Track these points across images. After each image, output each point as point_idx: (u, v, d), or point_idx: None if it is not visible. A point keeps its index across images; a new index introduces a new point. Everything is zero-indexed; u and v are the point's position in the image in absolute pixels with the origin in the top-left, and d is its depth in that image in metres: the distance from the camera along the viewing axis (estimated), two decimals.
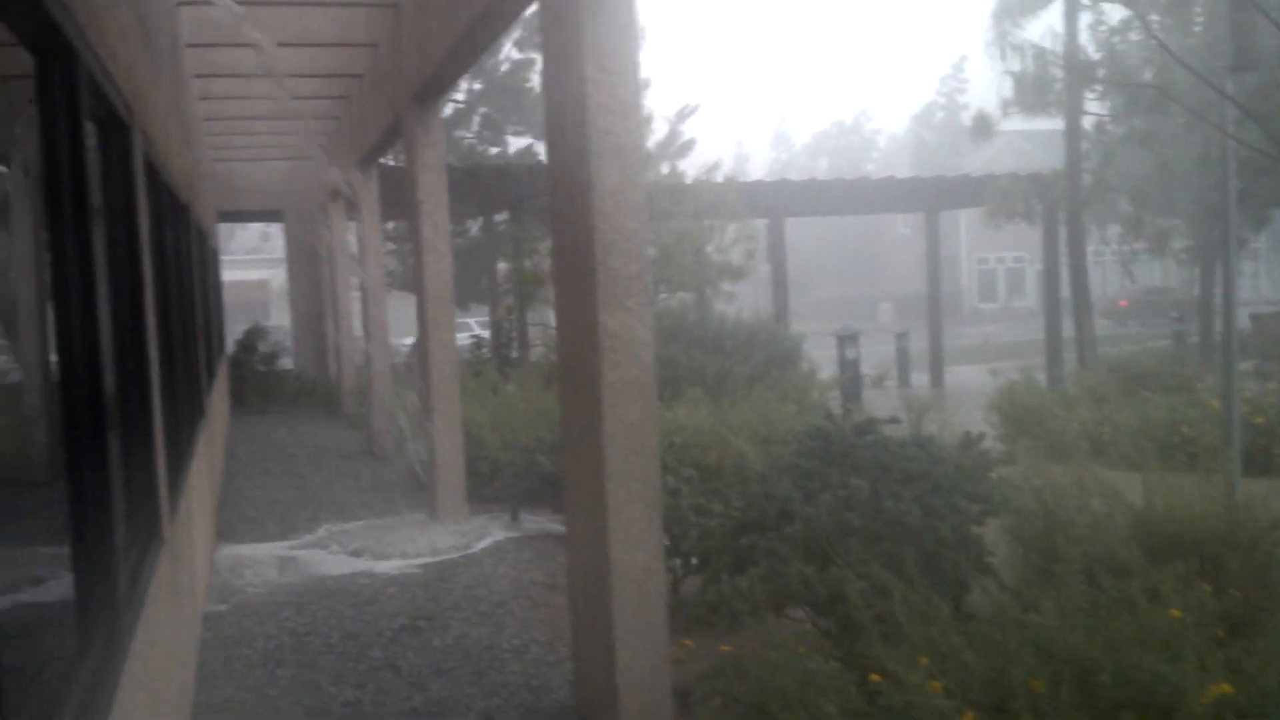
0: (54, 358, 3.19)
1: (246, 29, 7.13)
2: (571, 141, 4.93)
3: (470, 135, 26.67)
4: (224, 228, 22.05)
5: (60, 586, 3.26)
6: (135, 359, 4.40)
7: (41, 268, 3.19)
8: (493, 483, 10.64)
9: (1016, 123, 21.49)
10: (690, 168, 17.98)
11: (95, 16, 3.38)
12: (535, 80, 26.60)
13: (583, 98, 4.69)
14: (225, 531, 10.25)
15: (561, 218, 5.20)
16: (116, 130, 4.17)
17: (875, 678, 4.27)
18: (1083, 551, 5.42)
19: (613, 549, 4.96)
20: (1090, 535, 5.67)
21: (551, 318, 21.40)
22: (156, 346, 4.98)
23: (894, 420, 6.59)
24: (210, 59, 11.20)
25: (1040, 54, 16.25)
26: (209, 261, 14.07)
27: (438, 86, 9.11)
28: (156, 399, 4.85)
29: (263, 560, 9.13)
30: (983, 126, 18.06)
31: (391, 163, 19.26)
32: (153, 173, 5.39)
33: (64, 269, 3.09)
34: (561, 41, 4.91)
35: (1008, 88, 17.28)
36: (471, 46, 7.57)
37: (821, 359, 16.74)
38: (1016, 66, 16.31)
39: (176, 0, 8.18)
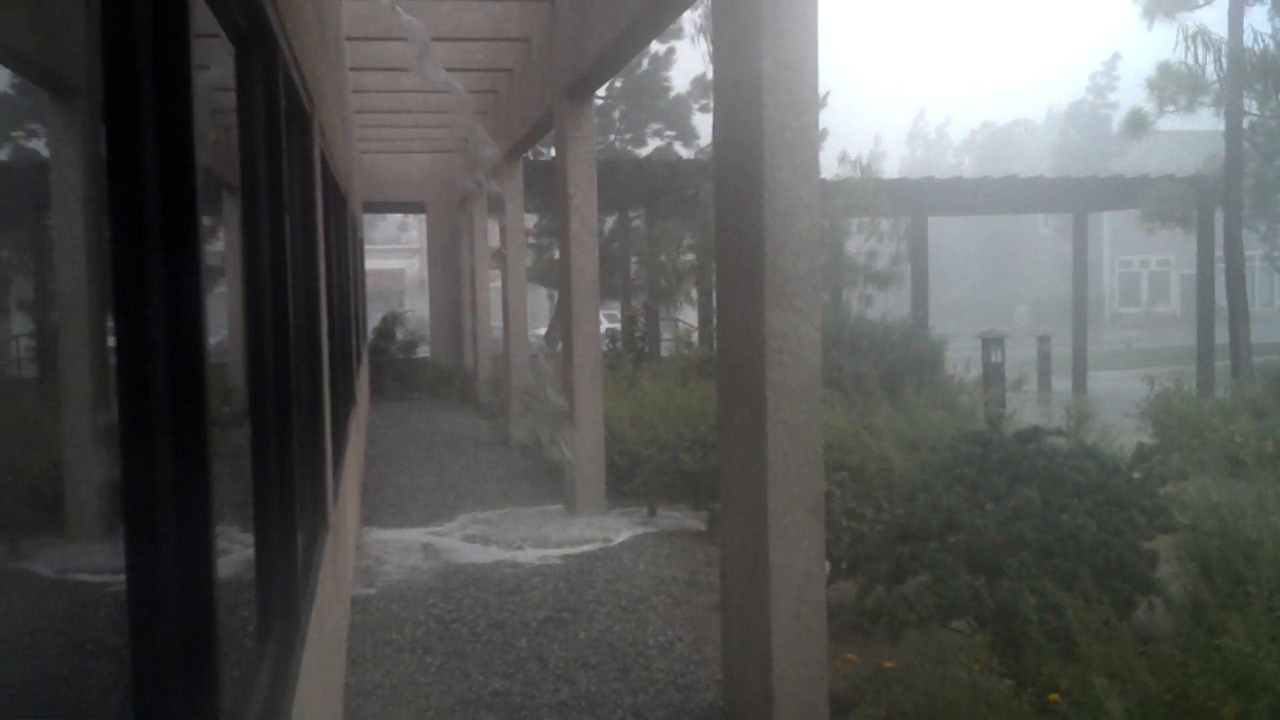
0: (212, 339, 3.23)
1: (407, 22, 7.22)
2: (743, 137, 4.84)
3: (612, 135, 26.79)
4: (365, 218, 22.54)
5: (227, 566, 3.30)
6: (310, 346, 4.46)
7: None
8: (632, 478, 10.62)
9: (1166, 124, 20.75)
10: (826, 161, 17.72)
11: (290, 6, 3.42)
12: (674, 78, 26.52)
13: (758, 93, 4.60)
14: (369, 515, 10.44)
15: (728, 214, 5.11)
16: (300, 121, 4.23)
17: (1055, 697, 4.09)
18: (1267, 574, 5.14)
19: (772, 554, 4.86)
20: (1275, 555, 5.37)
21: (684, 314, 21.35)
22: (327, 335, 5.06)
23: (1060, 432, 6.33)
24: (365, 52, 11.42)
25: (1206, 49, 15.55)
26: (358, 251, 14.39)
27: (592, 81, 9.11)
28: (326, 387, 4.92)
29: (406, 546, 9.27)
30: (1137, 122, 17.39)
31: (531, 157, 19.42)
32: (324, 164, 5.48)
33: (257, 260, 3.12)
34: (736, 35, 4.82)
35: (1162, 84, 16.59)
36: (631, 41, 7.53)
37: (958, 360, 16.34)
38: (1186, 60, 15.62)
39: None
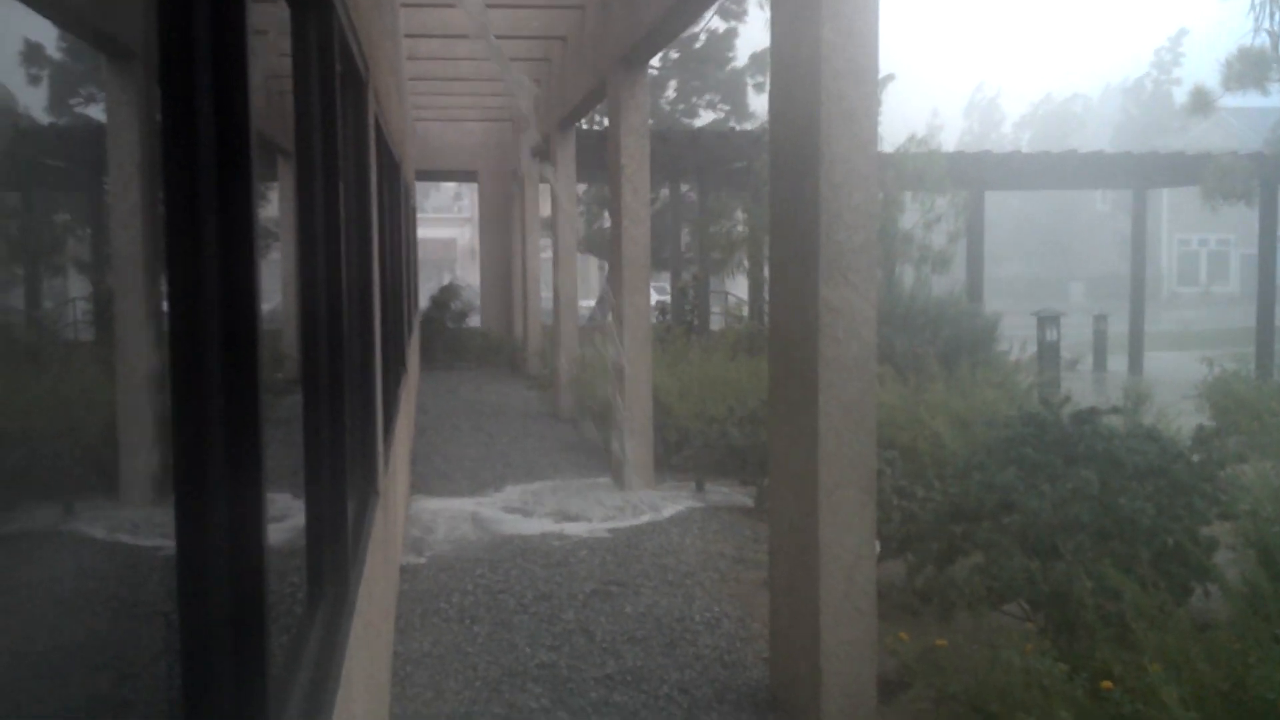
0: (265, 306, 3.23)
1: None
2: (799, 107, 4.76)
3: (665, 104, 26.61)
4: (419, 187, 22.59)
5: (277, 532, 3.30)
6: (363, 313, 4.46)
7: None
8: (680, 451, 10.59)
9: (1229, 100, 20.25)
10: (884, 134, 17.47)
11: None
12: (739, 53, 26.24)
13: (817, 61, 4.51)
14: (418, 484, 10.50)
15: (783, 186, 5.04)
16: (355, 87, 4.20)
17: (1107, 685, 4.02)
18: None
19: (822, 532, 4.81)
20: None
21: (734, 286, 21.20)
22: (379, 302, 5.05)
23: (1117, 412, 6.22)
24: (419, 19, 11.40)
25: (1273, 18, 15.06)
26: (410, 219, 14.42)
27: (647, 49, 9.02)
28: (378, 354, 4.92)
29: (454, 515, 9.31)
30: (1201, 100, 16.97)
31: (584, 126, 19.33)
32: (378, 130, 5.46)
33: (311, 226, 3.10)
34: (796, 1, 4.72)
35: (1241, 68, 16.13)
36: (687, 8, 7.44)
37: (1013, 338, 16.13)
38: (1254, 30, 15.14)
39: None
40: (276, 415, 3.16)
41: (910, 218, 16.07)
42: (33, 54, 1.76)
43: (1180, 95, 51.03)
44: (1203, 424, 6.19)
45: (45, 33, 1.76)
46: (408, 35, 11.90)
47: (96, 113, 2.05)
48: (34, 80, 1.77)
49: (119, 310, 1.99)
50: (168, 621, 1.87)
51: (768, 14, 5.12)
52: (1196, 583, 5.41)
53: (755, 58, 25.92)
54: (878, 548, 6.65)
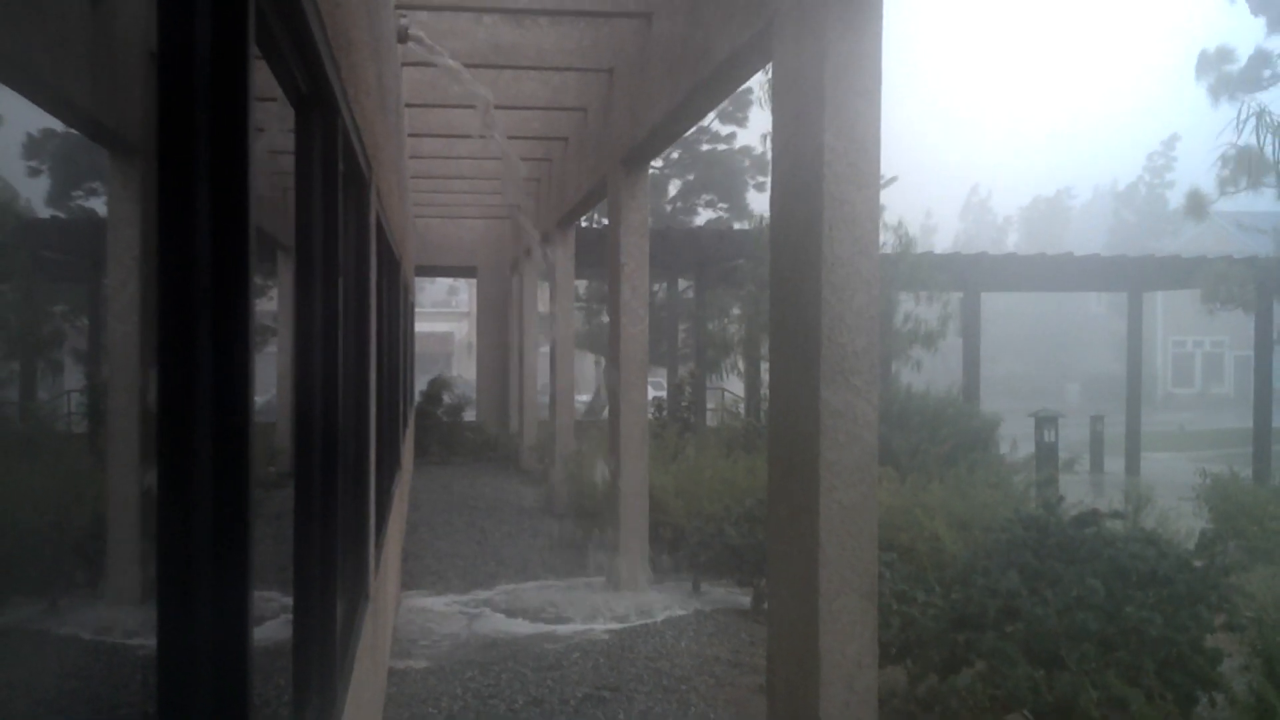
0: (260, 399, 3.19)
1: (472, 87, 7.27)
2: (801, 210, 4.77)
3: (666, 203, 26.92)
4: (415, 281, 22.70)
5: (264, 633, 3.21)
6: (358, 409, 4.41)
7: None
8: (675, 550, 10.46)
9: (1224, 204, 20.57)
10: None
11: (353, 71, 3.41)
12: (738, 156, 26.65)
13: (819, 166, 4.53)
14: (409, 581, 10.34)
15: (784, 287, 5.03)
16: (357, 185, 4.21)
17: None
18: None
19: (823, 639, 4.71)
20: None
21: (729, 383, 21.23)
22: (375, 399, 5.01)
23: (1117, 515, 6.14)
24: (423, 119, 11.55)
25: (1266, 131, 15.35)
26: (408, 314, 14.45)
27: (648, 151, 9.12)
28: (373, 451, 4.86)
29: (445, 615, 9.16)
30: (1196, 204, 17.19)
31: (583, 223, 19.52)
32: (379, 228, 5.47)
33: (309, 322, 3.07)
34: (798, 106, 4.77)
35: (1234, 171, 16.41)
36: (689, 111, 7.53)
37: (1009, 438, 16.09)
38: (1249, 140, 15.42)
39: (401, 61, 8.43)
40: (266, 510, 3.10)
41: (906, 308, 16.13)
42: (36, 148, 1.74)
43: (1174, 199, 51.87)
44: (1205, 529, 6.12)
45: (49, 127, 1.75)
46: (410, 134, 12.05)
47: (98, 206, 2.04)
48: (36, 174, 1.76)
49: (113, 403, 1.96)
50: None
51: (768, 114, 5.16)
52: (1202, 692, 5.29)
53: (755, 159, 26.27)
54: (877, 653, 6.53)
